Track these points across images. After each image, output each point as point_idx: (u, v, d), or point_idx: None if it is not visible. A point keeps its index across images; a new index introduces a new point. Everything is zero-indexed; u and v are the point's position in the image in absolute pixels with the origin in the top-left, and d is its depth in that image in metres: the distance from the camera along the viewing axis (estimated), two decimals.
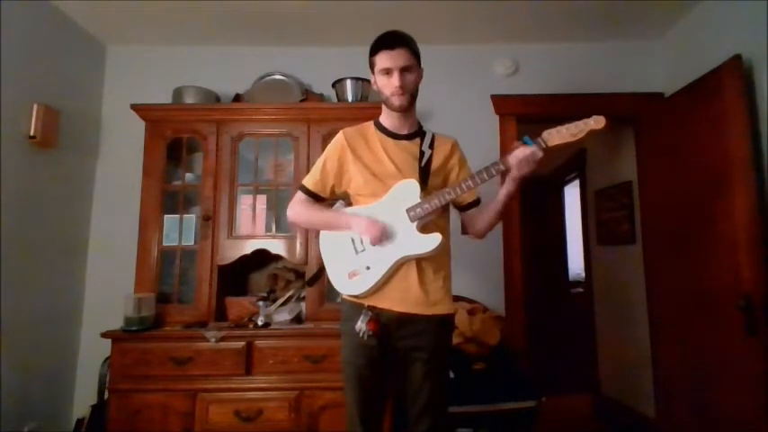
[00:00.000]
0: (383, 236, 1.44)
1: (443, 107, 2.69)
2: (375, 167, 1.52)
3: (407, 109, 1.53)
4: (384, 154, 1.53)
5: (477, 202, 1.60)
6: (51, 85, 2.39)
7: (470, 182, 1.44)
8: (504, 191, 1.47)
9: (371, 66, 1.53)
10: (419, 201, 1.45)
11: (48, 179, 2.37)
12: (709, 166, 2.16)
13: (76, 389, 2.55)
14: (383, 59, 1.47)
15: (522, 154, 1.37)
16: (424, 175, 1.51)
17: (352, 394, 1.48)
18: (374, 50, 1.49)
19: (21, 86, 2.19)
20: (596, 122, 1.39)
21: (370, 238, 1.44)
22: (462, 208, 1.61)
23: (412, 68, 1.49)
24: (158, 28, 2.66)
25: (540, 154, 1.38)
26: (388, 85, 1.48)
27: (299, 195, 1.62)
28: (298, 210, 1.60)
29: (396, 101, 1.49)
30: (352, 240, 1.50)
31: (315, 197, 1.60)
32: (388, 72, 1.47)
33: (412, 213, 1.45)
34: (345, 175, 1.57)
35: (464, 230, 1.69)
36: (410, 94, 1.50)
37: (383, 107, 1.57)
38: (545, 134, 1.40)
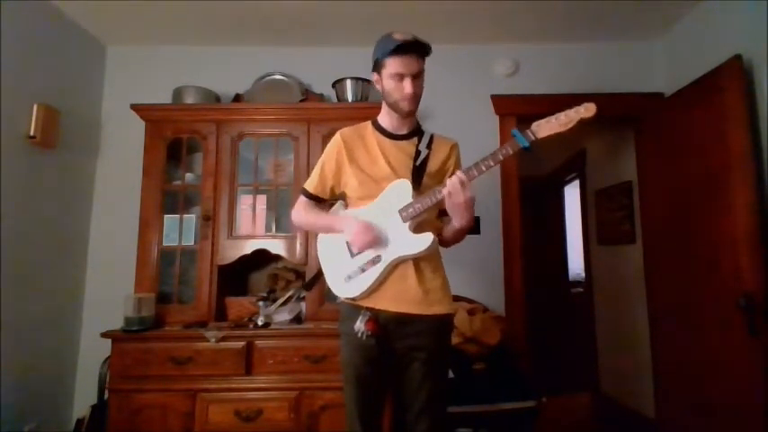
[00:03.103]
0: (371, 244, 1.43)
1: (443, 107, 2.69)
2: (370, 169, 1.52)
3: (414, 113, 1.53)
4: (380, 154, 1.52)
5: None
6: (51, 85, 2.39)
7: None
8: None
9: (379, 65, 1.48)
10: (411, 201, 1.44)
11: (48, 179, 2.37)
12: (709, 166, 2.16)
13: (76, 389, 2.55)
14: (396, 64, 1.42)
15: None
16: (418, 175, 1.49)
17: (351, 394, 1.48)
18: (387, 52, 1.42)
19: (21, 86, 2.19)
20: (587, 110, 1.32)
21: (356, 246, 1.45)
22: (441, 212, 1.52)
23: (421, 74, 1.47)
24: (158, 28, 2.66)
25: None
26: (397, 90, 1.45)
27: (301, 199, 1.63)
28: (300, 214, 1.62)
29: (406, 106, 1.47)
30: (348, 244, 1.50)
31: (316, 199, 1.62)
32: (399, 77, 1.44)
33: (404, 214, 1.44)
34: (343, 177, 1.57)
35: None
36: (418, 98, 1.50)
37: (383, 106, 1.56)
38: (534, 126, 1.35)
